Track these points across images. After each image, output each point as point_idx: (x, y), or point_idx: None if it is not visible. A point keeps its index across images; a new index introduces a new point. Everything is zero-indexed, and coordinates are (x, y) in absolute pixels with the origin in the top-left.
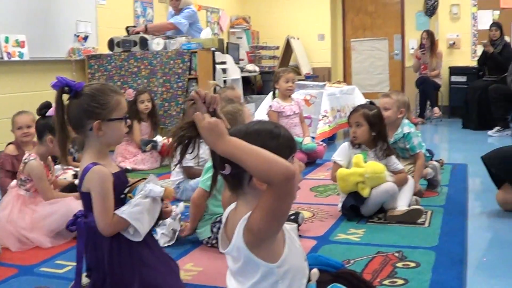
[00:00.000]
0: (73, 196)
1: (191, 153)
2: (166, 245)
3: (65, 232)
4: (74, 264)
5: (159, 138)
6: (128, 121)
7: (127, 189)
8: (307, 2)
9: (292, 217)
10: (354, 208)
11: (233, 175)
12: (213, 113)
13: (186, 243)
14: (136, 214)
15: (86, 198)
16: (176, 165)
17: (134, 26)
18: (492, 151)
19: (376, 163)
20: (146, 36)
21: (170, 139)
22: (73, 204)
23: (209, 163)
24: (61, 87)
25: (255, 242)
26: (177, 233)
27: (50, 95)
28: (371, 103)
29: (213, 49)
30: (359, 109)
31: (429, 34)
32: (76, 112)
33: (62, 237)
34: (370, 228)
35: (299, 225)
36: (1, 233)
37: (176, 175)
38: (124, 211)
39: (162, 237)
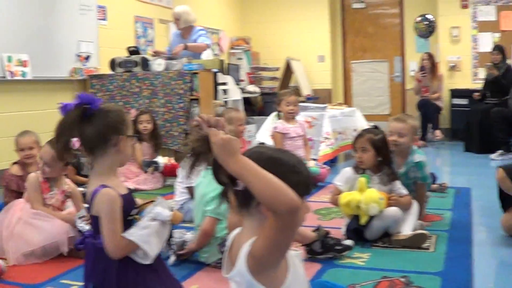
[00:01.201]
0: (62, 217)
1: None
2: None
3: (39, 252)
4: (80, 284)
5: (160, 159)
6: (134, 139)
7: (135, 211)
8: (307, 23)
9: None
10: (358, 231)
11: (244, 192)
12: None
13: (191, 264)
14: (145, 236)
15: (95, 221)
16: (187, 175)
17: (135, 47)
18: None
19: (374, 191)
20: (147, 57)
21: (172, 160)
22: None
23: (216, 190)
24: (82, 104)
25: (258, 268)
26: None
27: (52, 114)
28: (375, 127)
29: (214, 70)
30: (365, 134)
31: (430, 56)
32: (100, 128)
33: (34, 257)
34: (375, 252)
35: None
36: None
37: (180, 195)
38: (132, 234)
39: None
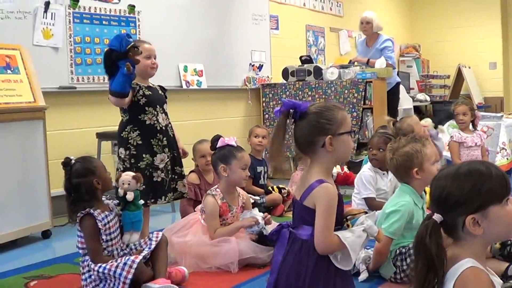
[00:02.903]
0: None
1: None
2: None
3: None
4: None
5: (333, 169)
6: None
7: (349, 216)
8: (478, 29)
9: None
10: None
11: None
12: None
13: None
14: (355, 245)
15: (306, 211)
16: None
17: (308, 56)
18: None
19: None
20: (320, 65)
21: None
22: (234, 246)
23: (391, 207)
24: (287, 110)
25: None
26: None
27: (226, 122)
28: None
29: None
30: None
31: None
32: (306, 131)
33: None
34: None
35: None
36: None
37: (357, 206)
38: (347, 238)
39: None
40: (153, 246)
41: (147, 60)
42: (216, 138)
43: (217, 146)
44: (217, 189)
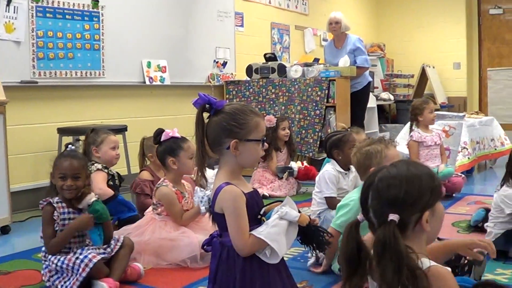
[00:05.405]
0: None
1: None
2: None
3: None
4: None
5: (293, 164)
6: (266, 144)
7: (262, 211)
8: (442, 30)
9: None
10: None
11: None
12: None
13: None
14: (274, 235)
15: (219, 218)
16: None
17: (272, 53)
18: None
19: None
20: (284, 63)
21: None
22: (194, 239)
23: (342, 201)
24: (203, 104)
25: None
26: None
27: (190, 119)
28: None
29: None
30: None
31: None
32: (215, 130)
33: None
34: None
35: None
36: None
37: (318, 205)
38: (261, 232)
39: None
40: (113, 252)
41: (112, 151)
42: (159, 131)
43: (161, 140)
44: (166, 181)
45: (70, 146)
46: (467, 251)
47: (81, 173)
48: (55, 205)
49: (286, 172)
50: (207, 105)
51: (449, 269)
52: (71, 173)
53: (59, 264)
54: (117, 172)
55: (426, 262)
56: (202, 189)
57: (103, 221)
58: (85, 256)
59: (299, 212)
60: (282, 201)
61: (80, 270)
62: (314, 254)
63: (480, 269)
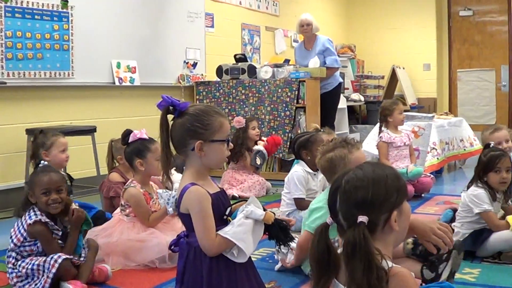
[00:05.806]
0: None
1: None
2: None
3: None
4: None
5: (258, 147)
6: (231, 144)
7: (228, 211)
8: (413, 31)
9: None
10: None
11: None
12: None
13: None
14: (240, 234)
15: (185, 219)
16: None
17: (242, 54)
18: None
19: None
20: (254, 64)
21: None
22: (163, 240)
23: (316, 203)
24: (166, 106)
25: None
26: None
27: (159, 120)
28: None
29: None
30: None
31: None
32: (179, 132)
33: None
34: (486, 268)
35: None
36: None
37: (287, 206)
38: (227, 232)
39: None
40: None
41: (61, 154)
42: (127, 132)
43: (129, 141)
44: (134, 182)
45: (42, 162)
46: (423, 241)
47: (62, 186)
48: (43, 220)
49: (258, 158)
50: (171, 107)
51: (412, 273)
52: (54, 187)
53: (29, 267)
54: (67, 174)
55: (389, 264)
56: (165, 190)
57: (88, 228)
58: (55, 255)
59: (264, 210)
60: (247, 201)
61: (50, 267)
62: (280, 250)
63: (457, 259)
